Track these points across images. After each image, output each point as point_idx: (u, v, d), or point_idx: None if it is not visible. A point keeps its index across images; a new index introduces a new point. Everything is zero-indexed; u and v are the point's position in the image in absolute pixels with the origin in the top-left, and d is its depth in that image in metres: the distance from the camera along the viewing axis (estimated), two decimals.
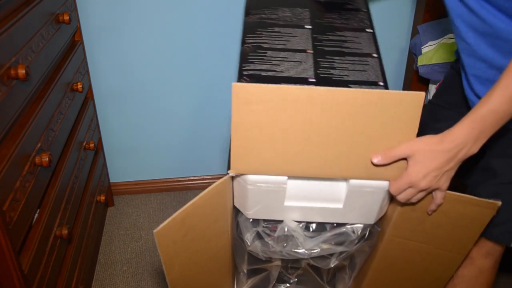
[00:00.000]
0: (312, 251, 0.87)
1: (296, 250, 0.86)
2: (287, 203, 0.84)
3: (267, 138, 0.75)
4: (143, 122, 1.78)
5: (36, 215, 1.00)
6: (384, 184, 0.79)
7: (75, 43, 1.46)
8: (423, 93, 0.70)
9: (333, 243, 0.87)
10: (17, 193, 0.85)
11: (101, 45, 1.60)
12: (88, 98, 1.57)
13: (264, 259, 0.92)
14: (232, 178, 0.83)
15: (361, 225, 0.87)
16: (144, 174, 1.91)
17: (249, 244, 0.89)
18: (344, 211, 0.84)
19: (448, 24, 0.98)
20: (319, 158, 0.76)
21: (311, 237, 0.87)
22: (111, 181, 1.87)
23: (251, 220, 0.89)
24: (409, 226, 0.86)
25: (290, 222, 0.87)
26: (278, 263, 1.00)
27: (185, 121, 1.81)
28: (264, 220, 0.89)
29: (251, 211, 0.86)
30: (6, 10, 0.92)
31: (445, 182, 0.75)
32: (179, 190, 1.94)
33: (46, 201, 1.04)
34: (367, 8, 1.04)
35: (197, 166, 1.93)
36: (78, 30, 1.49)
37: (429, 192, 0.77)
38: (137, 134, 1.80)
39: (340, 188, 0.83)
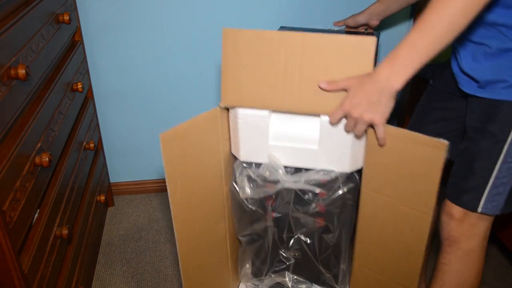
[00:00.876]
0: (294, 181, 0.98)
1: (280, 178, 0.98)
2: (271, 142, 0.97)
3: (251, 76, 0.91)
4: (143, 122, 1.78)
5: (36, 215, 1.00)
6: None
7: (75, 43, 1.46)
8: (374, 38, 0.84)
9: (312, 182, 0.98)
10: (17, 193, 0.85)
11: (101, 45, 1.61)
12: (88, 98, 1.57)
13: (255, 208, 1.04)
14: (228, 119, 1.00)
15: (338, 172, 0.97)
16: (144, 174, 1.91)
17: (241, 190, 1.02)
18: (319, 152, 0.95)
19: None
20: (293, 93, 0.90)
21: (292, 175, 1.00)
22: (111, 181, 1.87)
23: (244, 165, 1.02)
24: (378, 177, 0.93)
25: (275, 159, 0.98)
26: (271, 223, 1.07)
27: (185, 120, 1.81)
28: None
29: (242, 152, 1.00)
30: (6, 10, 0.92)
31: (377, 115, 0.82)
32: None
33: (46, 201, 1.04)
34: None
35: None
36: (78, 30, 1.49)
37: (367, 124, 0.84)
38: (137, 134, 1.80)
39: (315, 129, 0.94)
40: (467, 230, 0.98)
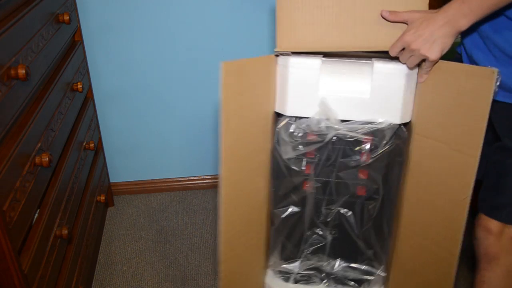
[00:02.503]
0: (343, 130, 0.96)
1: (330, 125, 0.96)
2: (320, 92, 0.96)
3: (306, 17, 0.92)
4: (143, 122, 1.78)
5: (36, 215, 1.00)
6: (403, 67, 0.91)
7: (75, 43, 1.46)
8: None
9: (361, 133, 0.96)
10: (17, 193, 0.85)
11: (101, 45, 1.60)
12: (88, 98, 1.57)
13: (298, 169, 1.02)
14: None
15: (388, 123, 0.96)
16: (144, 174, 1.91)
17: (283, 149, 1.01)
18: (370, 102, 0.95)
19: None
20: (348, 32, 0.92)
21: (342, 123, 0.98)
22: (111, 181, 1.87)
23: (289, 121, 1.00)
24: (428, 119, 0.94)
25: (325, 107, 0.97)
26: (312, 190, 1.04)
27: (185, 121, 1.81)
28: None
29: (290, 105, 0.98)
30: (6, 10, 0.92)
31: (434, 50, 0.83)
32: (179, 190, 1.94)
33: (46, 201, 1.04)
34: None
35: (197, 166, 1.93)
36: (78, 30, 1.49)
37: (421, 58, 0.86)
38: (137, 134, 1.80)
39: (367, 79, 0.94)
40: (506, 244, 0.95)
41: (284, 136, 1.00)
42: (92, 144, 1.47)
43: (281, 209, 1.08)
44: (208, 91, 1.76)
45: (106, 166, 1.80)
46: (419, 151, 0.97)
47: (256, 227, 1.10)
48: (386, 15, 0.88)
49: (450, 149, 0.90)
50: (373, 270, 1.10)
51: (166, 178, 1.93)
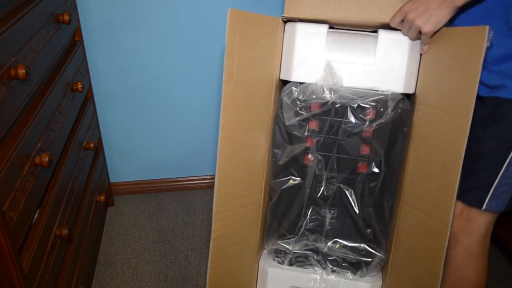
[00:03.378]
0: (348, 95, 0.97)
1: (335, 90, 0.97)
2: (326, 58, 0.98)
3: None
4: (143, 122, 1.78)
5: (36, 215, 1.00)
6: (407, 37, 0.94)
7: (75, 43, 1.46)
8: None
9: (367, 99, 0.96)
10: (17, 193, 0.85)
11: (101, 45, 1.60)
12: (88, 98, 1.57)
13: (301, 135, 1.01)
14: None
15: (392, 91, 0.97)
16: (144, 174, 1.91)
17: (287, 115, 1.01)
18: (375, 70, 0.97)
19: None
20: (356, 4, 0.95)
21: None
22: (111, 181, 1.87)
23: (294, 88, 1.00)
24: (429, 89, 0.96)
25: (330, 71, 0.98)
26: (313, 162, 1.03)
27: (185, 120, 1.81)
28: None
29: (296, 70, 0.99)
30: (6, 10, 0.92)
31: (428, 23, 0.86)
32: (179, 190, 1.94)
33: (46, 201, 1.04)
34: None
35: (197, 166, 1.93)
36: (78, 30, 1.49)
37: (417, 29, 0.88)
38: (137, 134, 1.80)
39: (371, 47, 0.96)
40: (466, 225, 0.98)
41: (287, 101, 1.00)
42: (92, 144, 1.47)
43: (281, 180, 1.07)
44: (209, 91, 1.76)
45: (106, 166, 1.80)
46: (420, 121, 0.98)
47: (252, 194, 1.08)
48: None
49: (446, 113, 0.91)
50: (372, 251, 1.08)
51: (166, 178, 1.93)
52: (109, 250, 1.61)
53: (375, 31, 0.99)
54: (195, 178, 1.95)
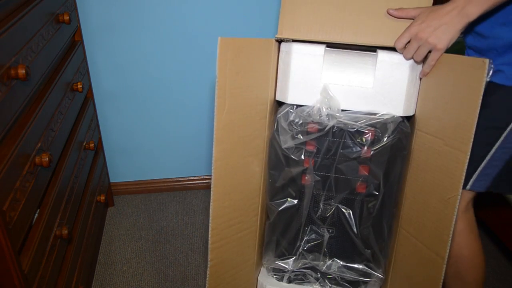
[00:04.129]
0: (346, 120, 0.94)
1: (332, 114, 0.94)
2: (323, 81, 0.95)
3: (309, 8, 0.92)
4: (143, 122, 1.78)
5: (36, 215, 1.00)
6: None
7: (75, 43, 1.46)
8: None
9: (366, 124, 0.94)
10: (17, 193, 0.85)
11: (101, 45, 1.60)
12: (88, 98, 1.57)
13: (297, 158, 1.00)
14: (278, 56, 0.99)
15: (391, 115, 0.95)
16: (144, 174, 1.91)
17: (283, 138, 0.99)
18: (374, 92, 0.94)
19: None
20: (353, 26, 0.92)
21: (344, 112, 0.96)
22: (111, 181, 1.87)
23: (290, 110, 0.98)
24: (428, 116, 0.94)
25: (328, 95, 0.95)
26: (311, 183, 1.01)
27: (185, 120, 1.81)
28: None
29: (291, 92, 0.97)
30: (6, 10, 0.92)
31: (442, 38, 0.84)
32: (179, 190, 1.94)
33: (46, 201, 1.04)
34: None
35: (197, 166, 1.93)
36: (78, 30, 1.49)
37: (429, 48, 0.86)
38: (137, 134, 1.80)
39: (370, 70, 0.94)
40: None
41: (284, 124, 0.98)
42: (92, 144, 1.47)
43: (278, 201, 1.05)
44: (209, 91, 1.76)
45: (106, 166, 1.80)
46: (419, 148, 0.96)
47: (249, 218, 1.07)
48: (393, 12, 0.89)
49: (445, 144, 0.89)
50: (371, 272, 1.07)
51: (166, 178, 1.93)
52: (109, 250, 1.61)
53: (374, 50, 0.96)
54: (195, 178, 1.95)
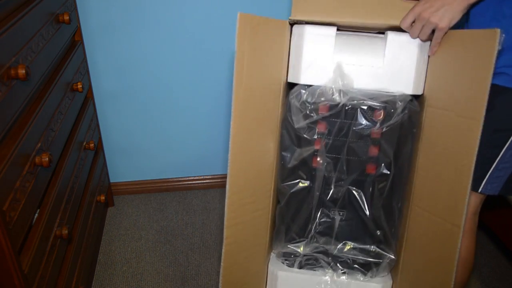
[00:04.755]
0: (357, 96, 0.96)
1: (344, 92, 0.96)
2: (335, 58, 0.98)
3: None
4: (143, 122, 1.78)
5: (36, 215, 1.00)
6: (417, 39, 0.94)
7: (75, 43, 1.46)
8: None
9: (377, 101, 0.96)
10: (17, 193, 0.85)
11: (101, 45, 1.61)
12: (88, 98, 1.57)
13: (309, 137, 1.01)
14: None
15: (400, 93, 0.98)
16: (144, 174, 1.91)
17: (295, 118, 1.00)
18: (384, 72, 0.97)
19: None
20: (363, 9, 0.95)
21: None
22: (111, 181, 1.87)
23: (302, 91, 1.00)
24: (438, 91, 0.96)
25: (340, 73, 0.98)
26: (322, 164, 1.02)
27: (185, 121, 1.81)
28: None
29: (304, 73, 1.00)
30: (6, 10, 0.92)
31: (443, 18, 0.87)
32: (179, 190, 1.94)
33: (46, 201, 1.04)
34: None
35: (197, 166, 1.93)
36: (78, 30, 1.49)
37: (432, 26, 0.89)
38: (137, 134, 1.80)
39: (380, 49, 0.97)
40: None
41: (296, 104, 1.00)
42: (92, 144, 1.47)
43: (290, 183, 1.06)
44: (209, 90, 1.76)
45: (106, 166, 1.80)
46: (430, 123, 0.98)
47: (262, 200, 1.08)
48: None
49: (456, 115, 0.91)
50: (383, 253, 1.08)
51: (166, 178, 1.93)
52: (109, 250, 1.61)
53: (383, 33, 0.99)
54: (195, 178, 1.95)
